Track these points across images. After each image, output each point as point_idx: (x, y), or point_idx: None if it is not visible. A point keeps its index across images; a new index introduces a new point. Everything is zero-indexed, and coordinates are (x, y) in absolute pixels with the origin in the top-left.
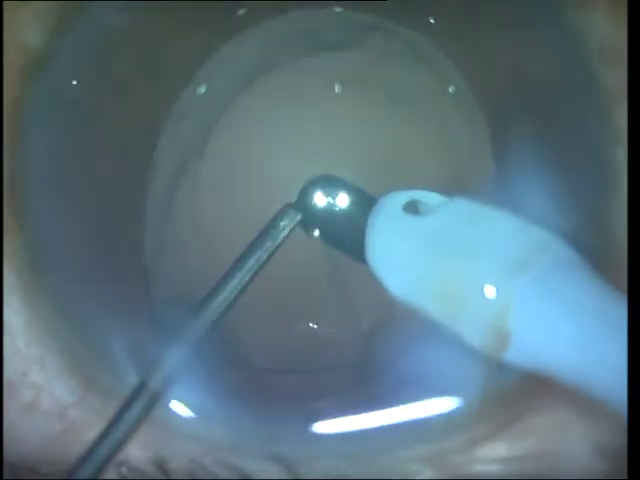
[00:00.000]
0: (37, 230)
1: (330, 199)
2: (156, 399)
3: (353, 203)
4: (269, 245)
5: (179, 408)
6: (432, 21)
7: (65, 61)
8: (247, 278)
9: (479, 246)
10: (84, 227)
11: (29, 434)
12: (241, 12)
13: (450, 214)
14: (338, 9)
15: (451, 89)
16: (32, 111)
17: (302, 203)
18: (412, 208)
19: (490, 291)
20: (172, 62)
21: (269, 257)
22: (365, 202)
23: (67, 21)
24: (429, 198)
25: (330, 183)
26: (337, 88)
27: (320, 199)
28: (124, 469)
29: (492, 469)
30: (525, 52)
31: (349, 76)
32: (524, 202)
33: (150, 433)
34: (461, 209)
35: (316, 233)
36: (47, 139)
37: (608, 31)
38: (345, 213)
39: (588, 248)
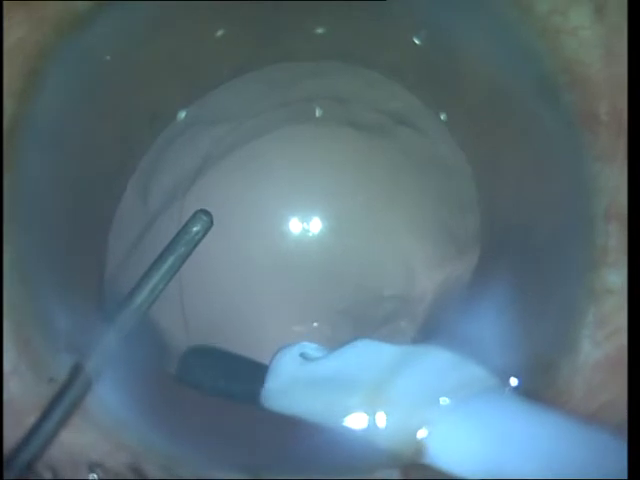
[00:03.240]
0: (18, 181)
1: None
2: (89, 386)
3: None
4: (182, 251)
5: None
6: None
7: (104, 31)
8: (162, 284)
9: (399, 377)
10: (62, 193)
11: None
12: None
13: (358, 352)
14: None
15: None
16: (55, 64)
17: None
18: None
19: (409, 413)
20: None
21: (182, 262)
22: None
23: None
24: (315, 350)
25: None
26: None
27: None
28: (98, 471)
29: None
30: (537, 194)
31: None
32: (486, 322)
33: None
34: (369, 348)
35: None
36: (59, 96)
37: (619, 191)
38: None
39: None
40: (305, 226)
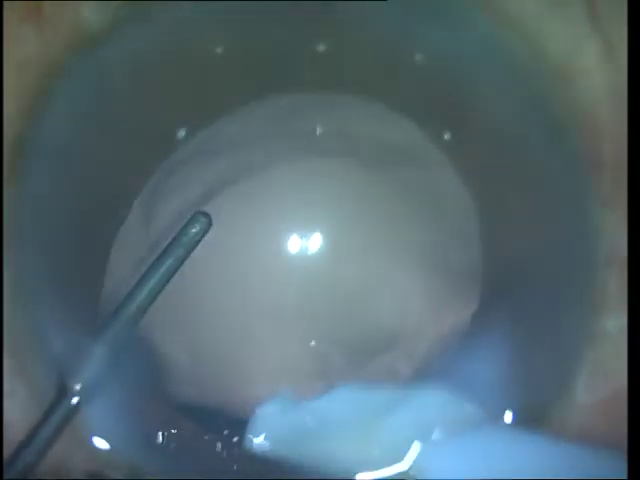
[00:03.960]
0: (23, 199)
1: None
2: (77, 408)
3: None
4: (181, 253)
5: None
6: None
7: (116, 51)
8: (159, 287)
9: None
10: (66, 216)
11: None
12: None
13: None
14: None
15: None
16: (65, 82)
17: None
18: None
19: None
20: None
21: (180, 264)
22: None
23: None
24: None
25: None
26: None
27: None
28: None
29: None
30: (539, 235)
31: None
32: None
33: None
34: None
35: None
36: (68, 115)
37: (621, 237)
38: None
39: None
40: (304, 255)
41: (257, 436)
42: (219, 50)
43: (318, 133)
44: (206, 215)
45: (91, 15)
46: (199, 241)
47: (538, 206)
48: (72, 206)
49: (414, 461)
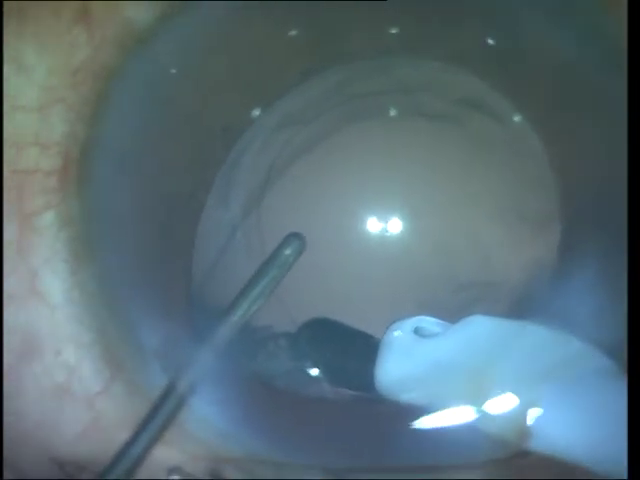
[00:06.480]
0: (96, 203)
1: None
2: (183, 402)
3: (352, 341)
4: (275, 274)
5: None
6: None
7: (168, 45)
8: (254, 307)
9: (506, 357)
10: (142, 213)
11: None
12: None
13: (472, 330)
14: None
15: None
16: (123, 83)
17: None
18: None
19: (515, 396)
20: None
21: (275, 285)
22: (365, 338)
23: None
24: (432, 324)
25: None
26: None
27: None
28: (176, 476)
29: None
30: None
31: None
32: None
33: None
34: (483, 326)
35: (314, 372)
36: (129, 116)
37: None
38: (346, 351)
39: None
40: (380, 221)
41: (383, 368)
42: (291, 33)
43: (383, 97)
44: (299, 237)
45: (139, 12)
46: (293, 262)
47: (611, 135)
48: (148, 204)
49: (528, 412)
